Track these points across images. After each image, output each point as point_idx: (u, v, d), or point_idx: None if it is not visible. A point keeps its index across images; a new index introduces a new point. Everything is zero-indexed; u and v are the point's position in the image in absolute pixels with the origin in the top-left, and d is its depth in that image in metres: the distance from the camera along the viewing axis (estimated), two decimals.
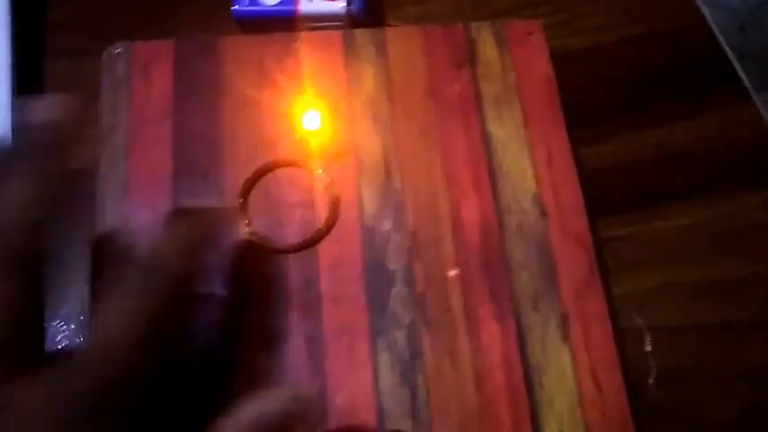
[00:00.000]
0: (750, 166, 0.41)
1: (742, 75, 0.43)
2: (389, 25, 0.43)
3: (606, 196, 0.39)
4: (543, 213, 0.36)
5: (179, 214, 0.26)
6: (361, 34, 0.40)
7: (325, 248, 0.35)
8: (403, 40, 0.40)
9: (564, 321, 0.34)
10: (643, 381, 0.36)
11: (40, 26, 0.44)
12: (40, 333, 0.25)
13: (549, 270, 0.35)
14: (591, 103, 0.42)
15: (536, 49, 0.40)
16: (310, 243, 0.35)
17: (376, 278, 0.34)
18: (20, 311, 0.23)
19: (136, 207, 0.35)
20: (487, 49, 0.40)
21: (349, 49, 0.39)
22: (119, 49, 0.38)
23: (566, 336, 0.34)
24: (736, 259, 0.38)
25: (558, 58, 0.40)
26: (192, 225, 0.27)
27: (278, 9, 0.41)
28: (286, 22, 0.41)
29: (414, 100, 0.38)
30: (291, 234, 0.35)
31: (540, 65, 0.39)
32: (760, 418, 0.35)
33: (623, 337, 0.36)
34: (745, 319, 0.37)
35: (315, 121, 0.38)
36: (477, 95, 0.38)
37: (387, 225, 0.36)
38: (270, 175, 0.36)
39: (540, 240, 0.35)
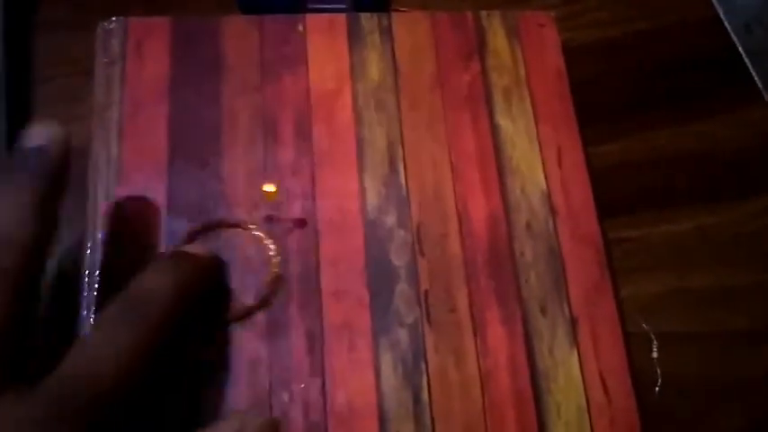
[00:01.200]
0: (759, 170, 0.40)
1: (754, 74, 0.42)
2: (396, 10, 0.42)
3: (612, 196, 0.38)
4: (553, 212, 0.35)
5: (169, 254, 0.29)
6: (367, 19, 0.38)
7: (326, 242, 0.33)
8: (410, 27, 0.38)
9: (573, 325, 0.33)
10: (649, 388, 0.35)
11: None
12: (27, 350, 0.25)
13: (557, 271, 0.34)
14: (599, 100, 0.41)
15: (548, 41, 0.38)
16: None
17: (379, 275, 0.33)
18: (16, 328, 0.24)
19: (129, 192, 0.33)
20: (498, 40, 0.38)
21: (353, 34, 0.38)
22: (113, 25, 0.36)
23: (574, 340, 0.32)
24: (745, 266, 0.38)
25: (566, 52, 0.38)
26: (181, 265, 0.29)
27: None
28: (288, 7, 0.39)
29: (420, 89, 0.37)
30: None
31: (551, 58, 0.38)
32: (767, 428, 0.35)
33: (629, 343, 0.35)
34: (752, 328, 0.36)
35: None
36: (487, 87, 0.37)
37: (390, 220, 0.34)
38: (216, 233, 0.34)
39: (549, 240, 0.34)
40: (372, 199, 0.34)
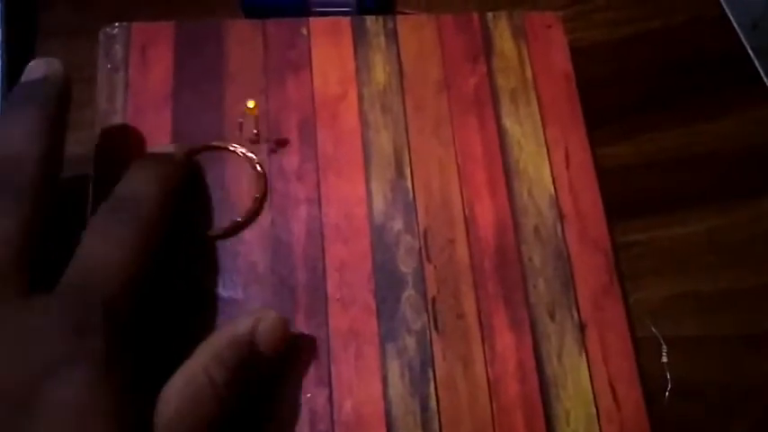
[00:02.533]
0: None
1: (762, 73, 0.42)
2: (401, 12, 0.41)
3: (621, 199, 0.38)
4: (561, 216, 0.34)
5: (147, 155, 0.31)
6: (372, 22, 0.38)
7: (332, 248, 0.33)
8: (415, 29, 0.38)
9: (581, 331, 0.32)
10: (659, 393, 0.34)
11: (32, 3, 0.41)
12: (42, 261, 0.27)
13: (566, 276, 0.33)
14: (607, 101, 0.41)
15: (555, 43, 0.38)
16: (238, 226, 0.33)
17: (385, 281, 0.33)
18: (22, 240, 0.25)
19: None
20: (504, 42, 0.38)
21: (358, 38, 0.37)
22: (116, 30, 0.36)
23: (583, 346, 0.32)
24: (756, 268, 0.37)
25: (574, 53, 0.38)
26: (160, 162, 0.31)
27: None
28: (293, 10, 0.38)
29: (426, 92, 0.36)
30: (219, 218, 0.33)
31: (558, 60, 0.37)
32: None
33: (638, 348, 0.34)
34: (764, 331, 0.36)
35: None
36: (493, 89, 0.37)
37: (397, 225, 0.34)
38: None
39: (558, 245, 0.34)
40: (379, 204, 0.34)
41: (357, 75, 0.37)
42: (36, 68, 0.29)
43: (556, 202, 0.35)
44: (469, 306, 0.33)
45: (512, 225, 0.34)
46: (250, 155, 0.34)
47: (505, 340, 0.32)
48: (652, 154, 0.39)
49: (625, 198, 0.38)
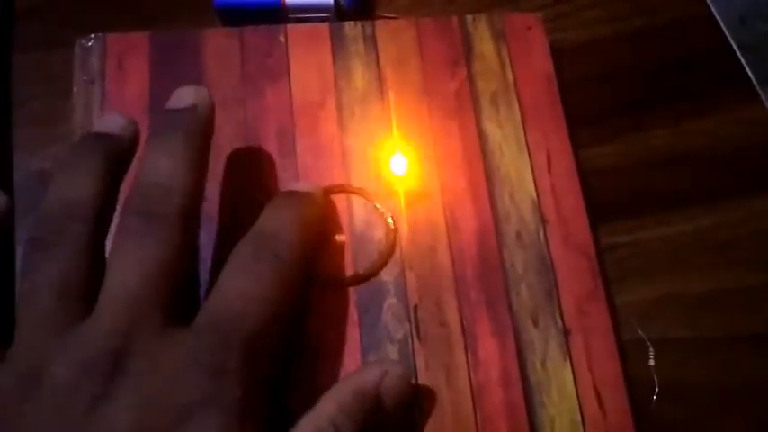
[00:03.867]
0: (757, 170, 0.39)
1: (748, 70, 0.41)
2: (380, 17, 0.41)
3: (606, 201, 0.37)
4: (543, 221, 0.34)
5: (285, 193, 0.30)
6: (350, 27, 0.37)
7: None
8: (394, 34, 0.37)
9: (565, 337, 0.32)
10: (646, 396, 0.34)
11: (8, 16, 0.41)
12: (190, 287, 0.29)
13: (549, 282, 0.33)
14: (590, 102, 0.40)
15: (535, 44, 0.37)
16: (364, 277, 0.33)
17: (366, 289, 0.32)
18: (167, 271, 0.25)
19: None
20: (484, 44, 0.37)
21: (337, 44, 0.37)
22: (91, 42, 0.36)
23: (567, 352, 0.32)
24: (744, 268, 0.37)
25: (556, 54, 0.38)
26: (302, 205, 0.30)
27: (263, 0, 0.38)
28: (270, 15, 0.38)
29: (406, 98, 0.36)
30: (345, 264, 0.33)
31: (539, 61, 0.37)
32: None
33: (625, 351, 0.34)
34: (752, 332, 0.35)
35: (401, 162, 0.35)
36: (473, 93, 0.36)
37: (378, 233, 0.33)
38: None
39: (540, 250, 0.33)
40: (359, 212, 0.34)
41: (336, 81, 0.36)
42: (184, 96, 0.29)
43: (538, 206, 0.34)
44: (452, 314, 0.32)
45: (493, 231, 0.34)
46: (379, 207, 0.34)
47: (488, 348, 0.32)
48: (637, 154, 0.39)
49: (610, 199, 0.38)
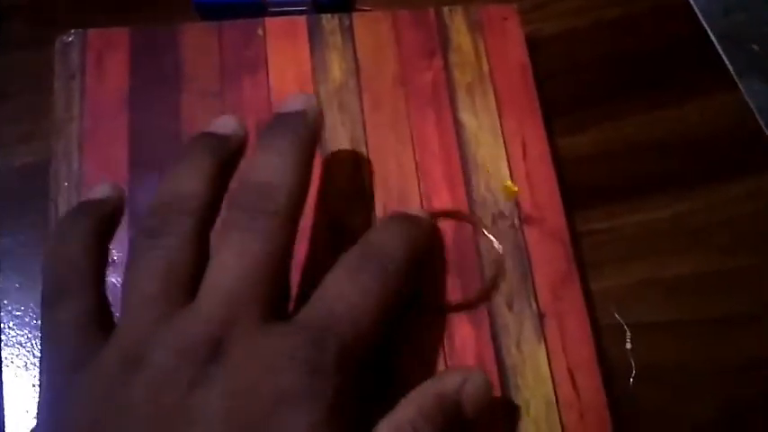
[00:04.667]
0: (733, 156, 0.39)
1: (726, 59, 0.42)
2: (357, 10, 0.42)
3: (583, 188, 0.38)
4: (518, 207, 0.34)
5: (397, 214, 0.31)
6: (328, 20, 0.38)
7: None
8: (371, 26, 0.38)
9: (540, 320, 0.32)
10: (623, 379, 0.34)
11: None
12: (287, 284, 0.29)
13: (524, 267, 0.33)
14: (566, 91, 0.41)
15: (511, 35, 0.38)
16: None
17: None
18: (273, 266, 0.26)
19: None
20: (461, 36, 0.38)
21: (314, 36, 0.37)
22: (71, 38, 0.36)
23: (542, 335, 0.32)
24: (719, 253, 0.37)
25: (532, 44, 0.38)
26: (413, 226, 0.30)
27: None
28: (247, 9, 0.39)
29: (383, 89, 0.37)
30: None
31: (515, 52, 0.38)
32: (742, 414, 0.34)
33: (602, 335, 0.35)
34: (727, 315, 0.36)
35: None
36: (450, 84, 0.37)
37: (355, 221, 0.34)
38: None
39: (515, 236, 0.34)
40: (336, 200, 0.34)
41: (314, 74, 0.37)
42: (295, 101, 0.30)
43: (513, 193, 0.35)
44: (428, 300, 0.33)
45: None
46: (490, 236, 0.34)
47: (464, 332, 0.32)
48: (613, 141, 0.39)
49: (588, 186, 0.38)
